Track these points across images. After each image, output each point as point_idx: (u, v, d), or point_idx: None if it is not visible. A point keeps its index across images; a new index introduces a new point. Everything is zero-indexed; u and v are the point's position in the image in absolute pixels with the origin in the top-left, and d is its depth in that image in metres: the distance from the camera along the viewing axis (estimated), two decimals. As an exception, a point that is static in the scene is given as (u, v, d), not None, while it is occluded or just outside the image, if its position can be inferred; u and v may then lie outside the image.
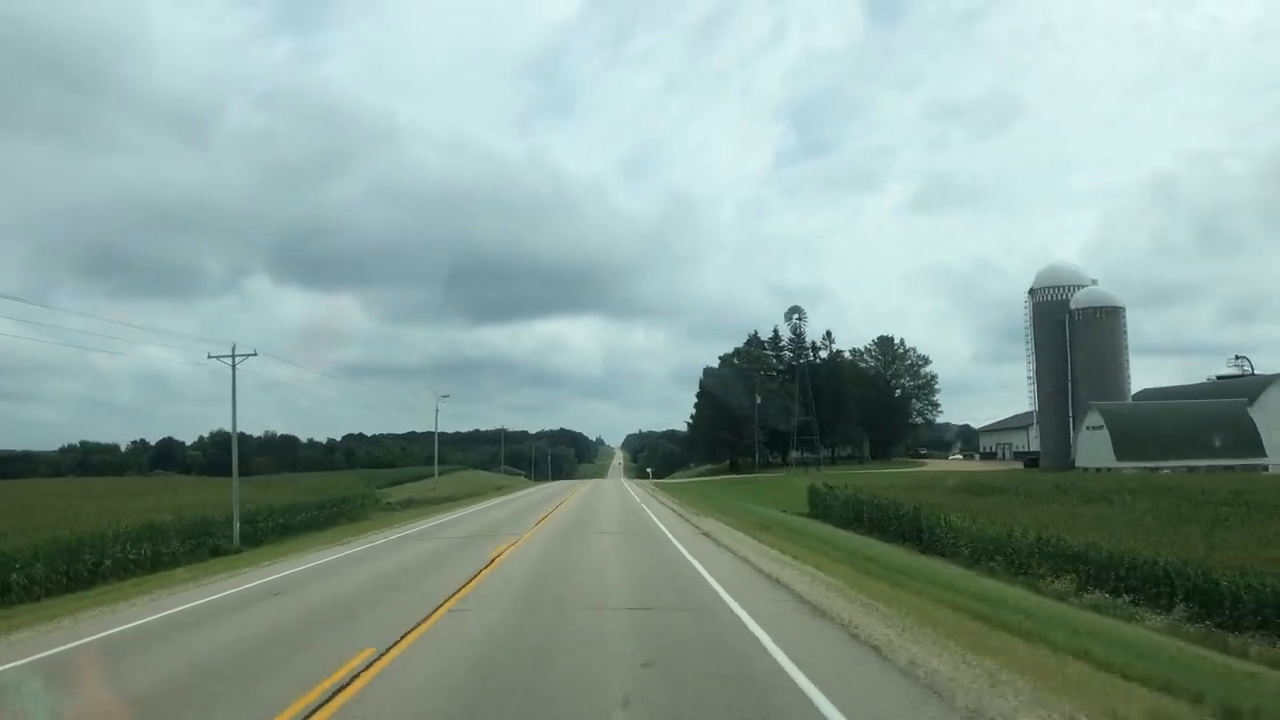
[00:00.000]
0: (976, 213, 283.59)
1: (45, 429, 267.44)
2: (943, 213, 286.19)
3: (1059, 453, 78.84)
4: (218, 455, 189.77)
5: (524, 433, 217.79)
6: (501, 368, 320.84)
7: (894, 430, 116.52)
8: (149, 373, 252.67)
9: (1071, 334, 78.36)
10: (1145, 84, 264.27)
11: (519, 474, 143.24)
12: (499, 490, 71.44)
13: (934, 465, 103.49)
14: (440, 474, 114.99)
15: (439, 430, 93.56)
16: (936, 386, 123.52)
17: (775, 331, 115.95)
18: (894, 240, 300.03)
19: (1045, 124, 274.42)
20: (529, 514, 35.39)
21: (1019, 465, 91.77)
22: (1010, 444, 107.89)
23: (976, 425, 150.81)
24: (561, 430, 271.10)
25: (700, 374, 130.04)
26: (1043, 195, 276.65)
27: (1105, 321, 77.48)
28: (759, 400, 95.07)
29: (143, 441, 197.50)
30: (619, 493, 57.17)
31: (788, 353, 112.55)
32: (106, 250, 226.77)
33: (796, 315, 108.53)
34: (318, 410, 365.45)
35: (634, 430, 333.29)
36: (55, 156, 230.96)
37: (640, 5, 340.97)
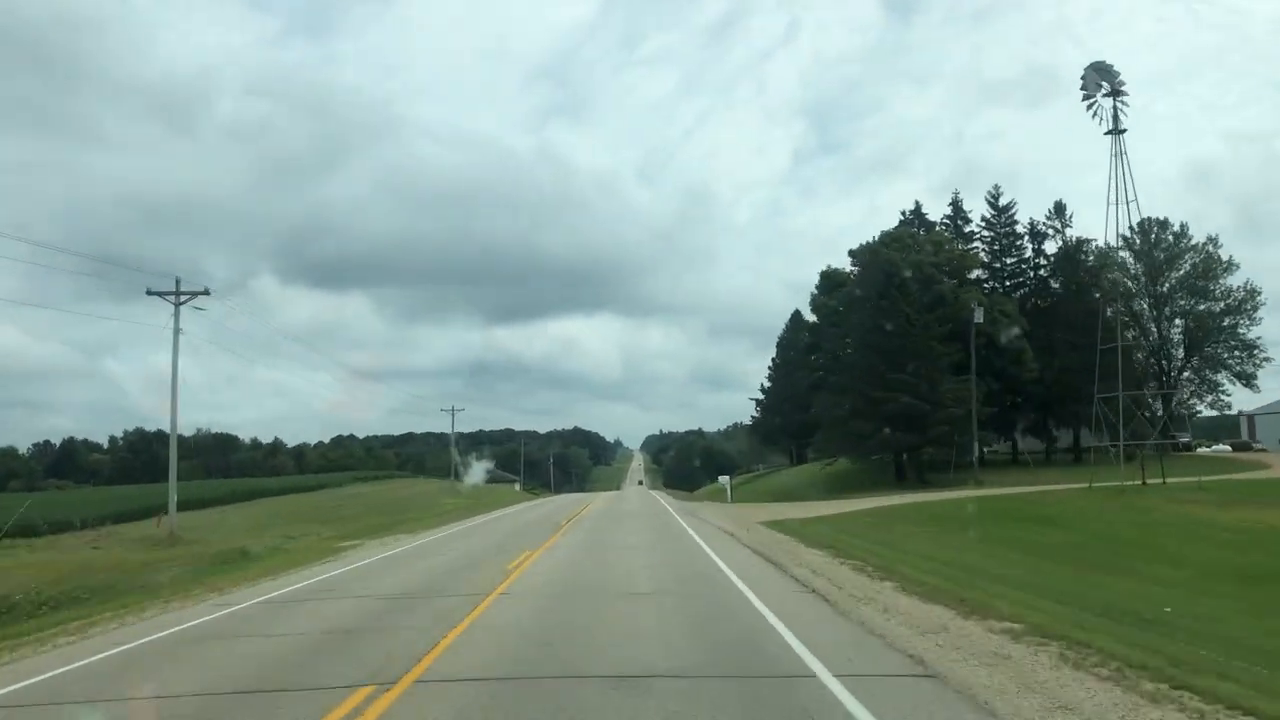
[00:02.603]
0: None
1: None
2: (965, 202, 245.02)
3: None
4: (131, 459, 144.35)
5: (533, 433, 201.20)
6: (515, 369, 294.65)
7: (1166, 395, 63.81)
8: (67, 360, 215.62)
9: None
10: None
11: (512, 480, 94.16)
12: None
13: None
14: (373, 481, 69.27)
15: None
16: (1257, 309, 62.00)
17: (955, 202, 64.26)
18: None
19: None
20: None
21: None
22: None
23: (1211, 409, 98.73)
24: (575, 430, 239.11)
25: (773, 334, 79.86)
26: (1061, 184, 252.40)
27: None
28: (976, 323, 43.20)
29: (46, 444, 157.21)
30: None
31: (981, 246, 60.78)
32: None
33: (1109, 79, 41.51)
34: (314, 411, 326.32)
35: (654, 431, 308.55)
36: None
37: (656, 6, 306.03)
